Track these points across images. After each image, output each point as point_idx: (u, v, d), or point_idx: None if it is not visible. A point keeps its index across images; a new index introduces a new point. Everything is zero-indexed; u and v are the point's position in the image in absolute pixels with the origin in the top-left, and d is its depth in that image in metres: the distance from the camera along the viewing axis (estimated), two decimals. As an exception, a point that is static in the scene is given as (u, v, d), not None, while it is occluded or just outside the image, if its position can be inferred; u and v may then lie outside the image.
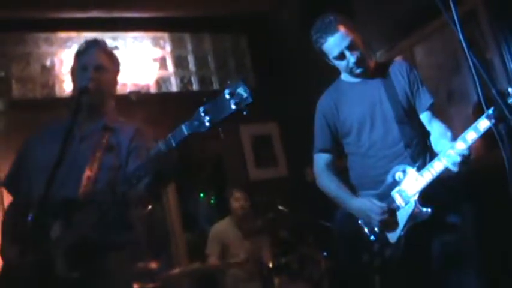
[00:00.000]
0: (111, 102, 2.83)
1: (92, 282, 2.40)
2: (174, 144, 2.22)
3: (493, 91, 1.89)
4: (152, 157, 2.29)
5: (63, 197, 2.51)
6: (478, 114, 2.55)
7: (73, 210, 2.45)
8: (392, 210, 2.84)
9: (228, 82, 2.12)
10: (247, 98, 2.07)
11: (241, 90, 2.07)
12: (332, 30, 2.93)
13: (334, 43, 2.94)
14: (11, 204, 2.82)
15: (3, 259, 2.60)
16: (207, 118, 2.11)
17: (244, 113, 2.08)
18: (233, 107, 2.07)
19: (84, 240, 2.39)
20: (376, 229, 2.87)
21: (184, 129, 2.18)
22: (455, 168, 2.66)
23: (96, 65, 2.70)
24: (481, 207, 3.05)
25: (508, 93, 2.44)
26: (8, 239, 2.65)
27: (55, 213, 2.47)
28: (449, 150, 2.66)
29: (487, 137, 2.57)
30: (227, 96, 2.08)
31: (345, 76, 3.14)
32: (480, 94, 1.89)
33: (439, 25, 4.40)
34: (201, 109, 2.12)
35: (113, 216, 2.44)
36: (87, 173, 2.56)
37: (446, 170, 2.71)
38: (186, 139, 2.19)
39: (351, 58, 2.95)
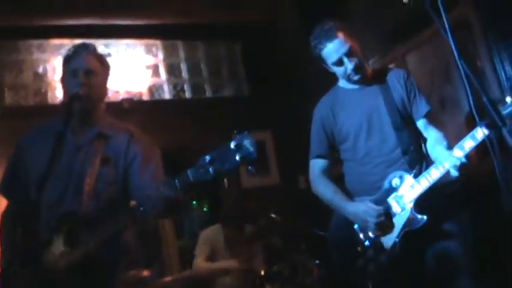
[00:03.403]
0: (102, 106, 2.79)
1: None
2: (178, 187, 2.24)
3: (484, 99, 1.90)
4: (160, 201, 2.31)
5: (65, 211, 2.49)
6: (470, 121, 2.56)
7: (76, 226, 2.43)
8: (388, 214, 2.85)
9: (235, 132, 2.14)
10: (252, 153, 2.11)
11: (247, 144, 2.12)
12: (331, 37, 2.95)
13: (333, 49, 2.96)
14: (8, 212, 2.75)
15: (2, 270, 2.55)
16: (212, 167, 2.14)
17: (249, 168, 2.15)
18: (238, 160, 2.10)
19: (89, 258, 2.37)
20: (371, 234, 2.88)
21: (190, 175, 2.20)
22: (456, 173, 2.67)
23: (87, 69, 2.65)
24: (475, 214, 3.06)
25: (505, 102, 2.46)
26: (8, 249, 2.62)
27: (56, 228, 2.45)
28: (447, 158, 2.68)
29: (479, 144, 2.58)
30: (233, 148, 2.11)
31: (342, 83, 3.15)
32: (471, 102, 1.90)
33: (431, 33, 4.42)
34: (207, 157, 2.16)
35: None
36: (87, 187, 2.53)
37: (443, 177, 2.72)
38: (189, 184, 2.21)
39: (349, 65, 2.97)
